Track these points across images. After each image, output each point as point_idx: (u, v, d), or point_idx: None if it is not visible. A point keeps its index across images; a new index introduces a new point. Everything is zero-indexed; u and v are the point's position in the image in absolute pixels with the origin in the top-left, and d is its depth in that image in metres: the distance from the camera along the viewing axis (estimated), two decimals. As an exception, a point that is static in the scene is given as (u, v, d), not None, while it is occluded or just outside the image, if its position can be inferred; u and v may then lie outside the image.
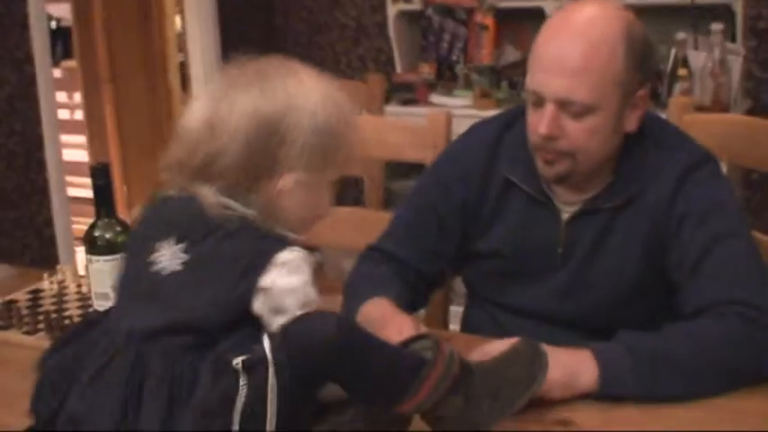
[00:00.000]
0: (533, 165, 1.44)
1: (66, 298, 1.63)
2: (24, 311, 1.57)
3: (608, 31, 1.34)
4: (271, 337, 1.00)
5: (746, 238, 1.38)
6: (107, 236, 1.40)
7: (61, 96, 4.65)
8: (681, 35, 2.73)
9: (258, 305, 1.04)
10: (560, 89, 1.34)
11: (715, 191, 1.40)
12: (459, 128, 1.64)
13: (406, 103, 3.12)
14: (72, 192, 3.76)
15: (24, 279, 1.74)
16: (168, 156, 1.09)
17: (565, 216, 1.45)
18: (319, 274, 1.09)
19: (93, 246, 1.40)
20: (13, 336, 1.50)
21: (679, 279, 1.37)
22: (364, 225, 1.75)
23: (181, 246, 1.06)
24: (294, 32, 3.73)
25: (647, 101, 1.41)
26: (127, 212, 4.45)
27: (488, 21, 3.15)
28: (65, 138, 4.03)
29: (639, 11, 1.48)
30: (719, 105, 2.64)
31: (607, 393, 1.21)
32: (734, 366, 1.24)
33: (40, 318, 1.53)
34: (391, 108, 3.05)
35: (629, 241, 1.42)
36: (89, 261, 1.42)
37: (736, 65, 2.71)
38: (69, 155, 4.27)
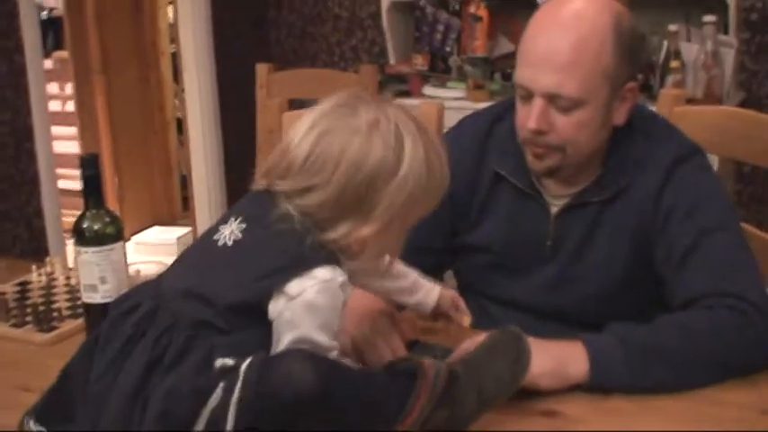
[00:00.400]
0: (523, 158, 1.44)
1: (54, 290, 1.63)
2: (12, 304, 1.56)
3: (596, 24, 1.33)
4: (249, 365, 0.96)
5: (735, 231, 1.37)
6: (95, 227, 1.38)
7: (53, 87, 4.62)
8: (673, 27, 2.71)
9: (275, 309, 1.01)
10: (549, 84, 1.33)
11: (703, 183, 1.40)
12: (453, 119, 1.63)
13: (399, 94, 3.11)
14: (63, 183, 3.75)
15: (12, 271, 1.73)
16: (266, 167, 1.08)
17: (554, 210, 1.45)
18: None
19: (82, 237, 1.39)
20: (0, 328, 1.49)
21: (667, 272, 1.36)
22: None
23: (242, 225, 1.06)
24: (287, 23, 3.72)
25: (636, 94, 1.41)
26: (118, 204, 4.44)
27: (482, 12, 3.14)
28: (56, 129, 4.02)
29: (632, 2, 1.47)
30: (712, 97, 2.63)
31: (598, 384, 1.20)
32: (722, 359, 1.24)
33: (28, 310, 1.52)
34: (384, 100, 3.04)
35: (618, 234, 1.41)
36: (77, 252, 1.41)
37: (729, 57, 2.70)
38: (61, 146, 4.26)
